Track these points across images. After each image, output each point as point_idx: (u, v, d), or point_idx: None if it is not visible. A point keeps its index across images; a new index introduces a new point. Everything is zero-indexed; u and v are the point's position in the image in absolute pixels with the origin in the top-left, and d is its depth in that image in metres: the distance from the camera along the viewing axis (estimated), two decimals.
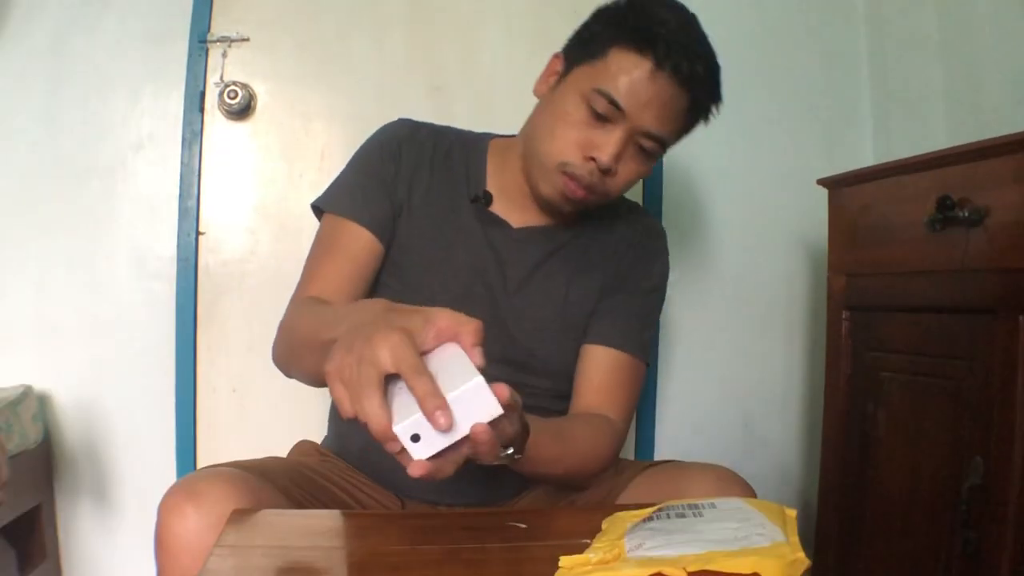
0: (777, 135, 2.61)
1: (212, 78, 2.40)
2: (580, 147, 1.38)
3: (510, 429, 1.04)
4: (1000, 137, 1.46)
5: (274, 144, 2.44)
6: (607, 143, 1.36)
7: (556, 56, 1.48)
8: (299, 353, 1.32)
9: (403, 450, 0.92)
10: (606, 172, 1.38)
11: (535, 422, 1.20)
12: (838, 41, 2.65)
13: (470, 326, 0.96)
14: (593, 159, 1.37)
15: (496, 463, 1.14)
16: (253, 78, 2.41)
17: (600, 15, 1.44)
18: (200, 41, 2.38)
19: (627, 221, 1.64)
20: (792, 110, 2.62)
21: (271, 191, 2.42)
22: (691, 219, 2.57)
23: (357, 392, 0.90)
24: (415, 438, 0.91)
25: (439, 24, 2.47)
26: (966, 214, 1.51)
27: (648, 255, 1.62)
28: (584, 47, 1.42)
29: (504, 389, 0.94)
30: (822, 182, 2.01)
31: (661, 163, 2.50)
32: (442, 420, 0.87)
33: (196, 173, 2.38)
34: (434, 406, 0.87)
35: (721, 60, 2.51)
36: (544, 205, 1.51)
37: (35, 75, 2.36)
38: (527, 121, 1.53)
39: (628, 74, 1.33)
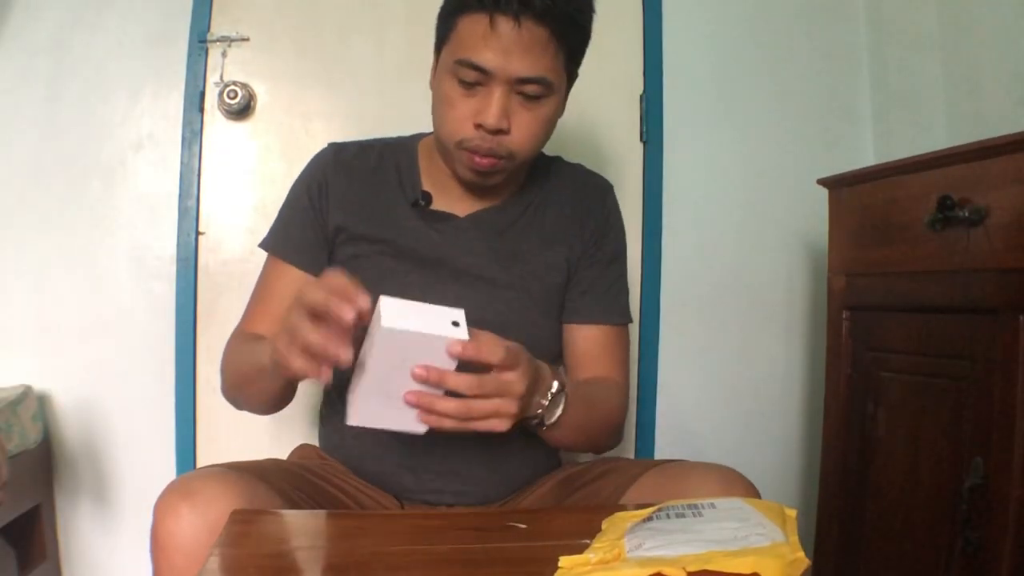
0: (777, 135, 2.61)
1: (212, 78, 2.40)
2: (467, 119, 1.39)
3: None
4: (1001, 137, 1.46)
5: (274, 144, 2.43)
6: (488, 105, 1.37)
7: (435, 49, 1.50)
8: (243, 387, 1.45)
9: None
10: (498, 132, 1.39)
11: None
12: (838, 41, 2.65)
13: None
14: (480, 125, 1.38)
15: (549, 416, 1.31)
16: (253, 78, 2.41)
17: None
18: (200, 41, 2.38)
19: (572, 183, 1.66)
20: (792, 110, 2.62)
21: (271, 191, 2.42)
22: (692, 218, 2.57)
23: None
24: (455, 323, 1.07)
25: None
26: (967, 214, 1.51)
27: (605, 220, 1.65)
28: (441, 29, 1.45)
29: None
30: (822, 182, 2.01)
31: (661, 161, 2.50)
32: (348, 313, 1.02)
33: (196, 173, 2.38)
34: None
35: (722, 59, 2.52)
36: (470, 188, 1.54)
37: (35, 75, 2.36)
38: None
39: (475, 34, 1.34)
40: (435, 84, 1.47)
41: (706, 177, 2.58)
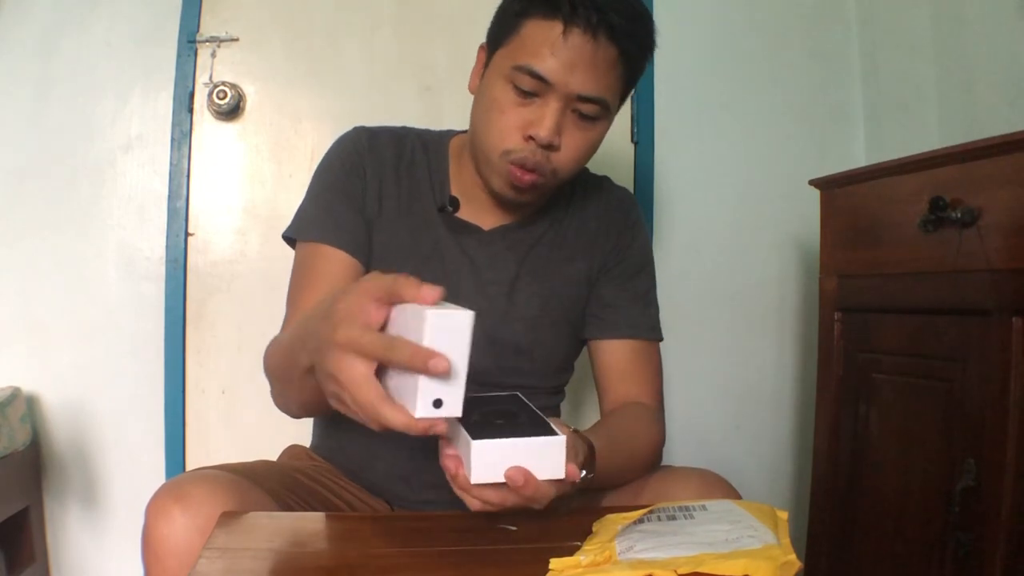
0: (769, 136, 2.61)
1: (201, 78, 2.39)
2: (518, 129, 1.33)
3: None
4: (993, 138, 1.46)
5: (263, 145, 2.43)
6: (542, 117, 1.30)
7: (481, 47, 1.44)
8: (283, 392, 1.31)
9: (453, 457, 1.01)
10: (548, 147, 1.33)
11: (591, 436, 1.20)
12: (830, 41, 2.65)
13: (400, 283, 0.92)
14: (532, 137, 1.32)
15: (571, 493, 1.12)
16: (242, 78, 2.41)
17: None
18: (189, 41, 2.38)
19: (597, 198, 1.60)
20: (784, 110, 2.62)
21: (260, 192, 2.42)
22: (683, 220, 2.57)
23: (369, 413, 0.90)
24: (437, 404, 0.89)
25: (429, 24, 2.47)
26: (959, 215, 1.51)
27: (628, 232, 1.59)
28: (499, 29, 1.37)
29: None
30: (814, 183, 2.00)
31: (651, 162, 2.50)
32: (441, 364, 0.85)
33: (185, 174, 2.38)
34: (425, 358, 0.85)
35: (713, 60, 2.52)
36: (502, 202, 1.46)
37: (24, 76, 2.36)
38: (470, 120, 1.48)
39: (543, 42, 1.28)
40: (483, 87, 1.39)
41: (697, 178, 2.58)
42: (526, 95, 1.31)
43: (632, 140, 2.53)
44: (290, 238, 1.50)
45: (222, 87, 2.35)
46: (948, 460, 1.54)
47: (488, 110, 1.35)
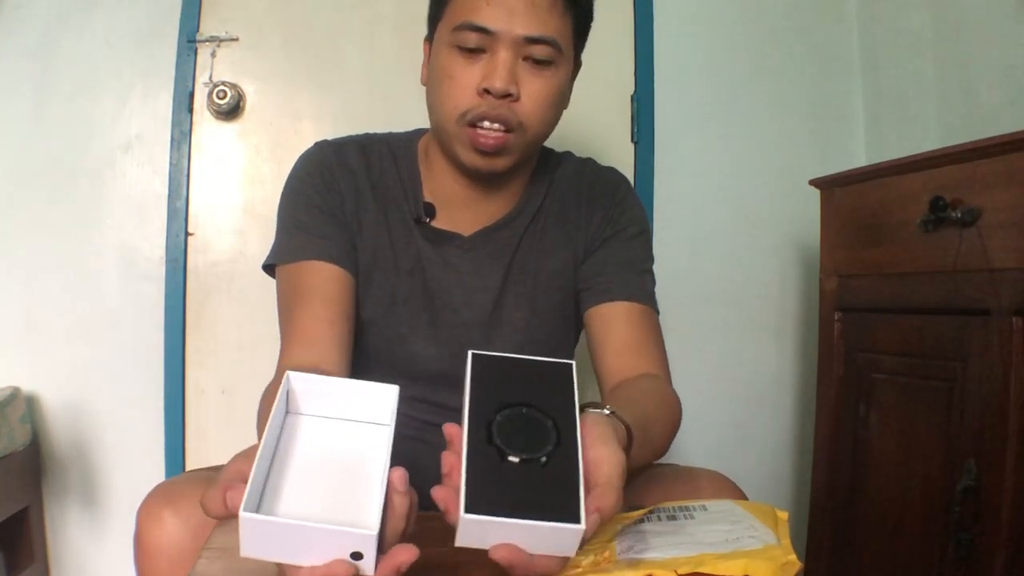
0: (769, 135, 2.61)
1: (201, 78, 2.39)
2: (470, 88, 1.27)
3: None
4: (993, 138, 1.46)
5: (263, 144, 2.43)
6: (493, 68, 1.26)
7: (425, 41, 1.41)
8: None
9: None
10: (507, 97, 1.27)
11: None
12: (830, 41, 2.65)
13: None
14: (487, 91, 1.26)
15: None
16: (242, 78, 2.41)
17: None
18: (189, 41, 2.37)
19: (579, 180, 1.51)
20: (784, 110, 2.62)
21: (260, 192, 2.41)
22: (683, 219, 2.56)
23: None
24: (356, 555, 0.80)
25: None
26: (959, 215, 1.50)
27: (616, 208, 1.50)
28: (434, 9, 1.35)
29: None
30: (814, 183, 2.00)
31: (652, 162, 2.50)
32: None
33: (185, 174, 2.37)
34: None
35: (713, 59, 2.51)
36: (477, 176, 1.39)
37: (23, 76, 2.35)
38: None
39: None
40: (430, 67, 1.35)
41: (697, 178, 2.58)
42: (472, 53, 1.27)
43: (632, 140, 2.53)
44: (271, 266, 1.44)
45: (222, 87, 2.35)
46: (948, 460, 1.54)
47: (439, 82, 1.31)
